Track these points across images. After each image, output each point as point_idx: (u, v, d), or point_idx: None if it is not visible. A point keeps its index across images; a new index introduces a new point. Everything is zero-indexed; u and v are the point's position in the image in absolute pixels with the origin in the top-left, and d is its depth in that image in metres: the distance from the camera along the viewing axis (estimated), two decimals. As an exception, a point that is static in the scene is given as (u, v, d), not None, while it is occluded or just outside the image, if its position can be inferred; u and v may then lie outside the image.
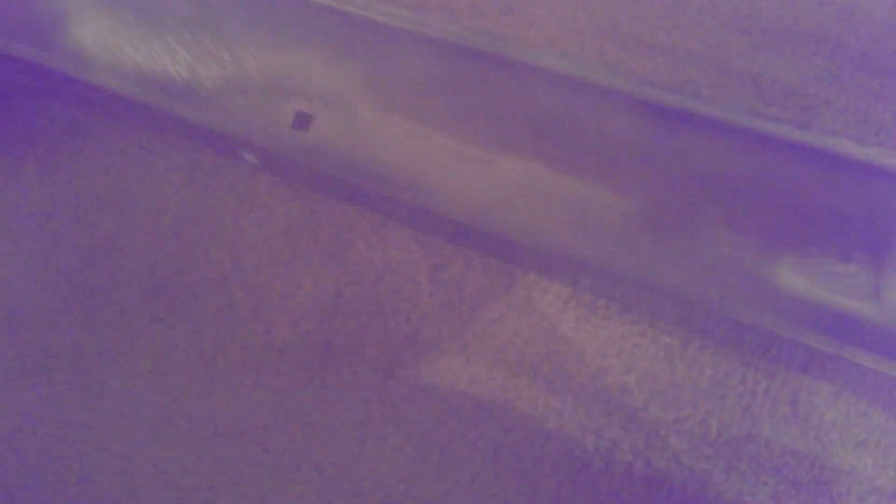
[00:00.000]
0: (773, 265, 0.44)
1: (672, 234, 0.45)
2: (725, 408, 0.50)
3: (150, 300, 0.57)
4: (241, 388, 0.54)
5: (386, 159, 0.50)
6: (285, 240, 0.58)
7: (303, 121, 0.49)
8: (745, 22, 0.65)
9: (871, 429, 0.49)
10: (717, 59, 0.63)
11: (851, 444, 0.49)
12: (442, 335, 0.54)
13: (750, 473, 0.48)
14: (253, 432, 0.52)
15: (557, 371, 0.52)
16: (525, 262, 0.55)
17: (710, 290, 0.46)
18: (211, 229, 0.59)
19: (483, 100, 0.47)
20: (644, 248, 0.47)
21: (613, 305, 0.53)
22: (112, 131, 0.64)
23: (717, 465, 0.49)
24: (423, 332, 0.54)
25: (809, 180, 0.44)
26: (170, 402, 0.54)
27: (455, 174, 0.49)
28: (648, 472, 0.49)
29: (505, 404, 0.52)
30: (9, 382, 0.55)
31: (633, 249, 0.47)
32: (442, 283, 0.55)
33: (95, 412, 0.54)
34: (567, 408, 0.51)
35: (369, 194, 0.57)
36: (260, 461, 0.51)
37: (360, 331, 0.54)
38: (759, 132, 0.45)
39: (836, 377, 0.50)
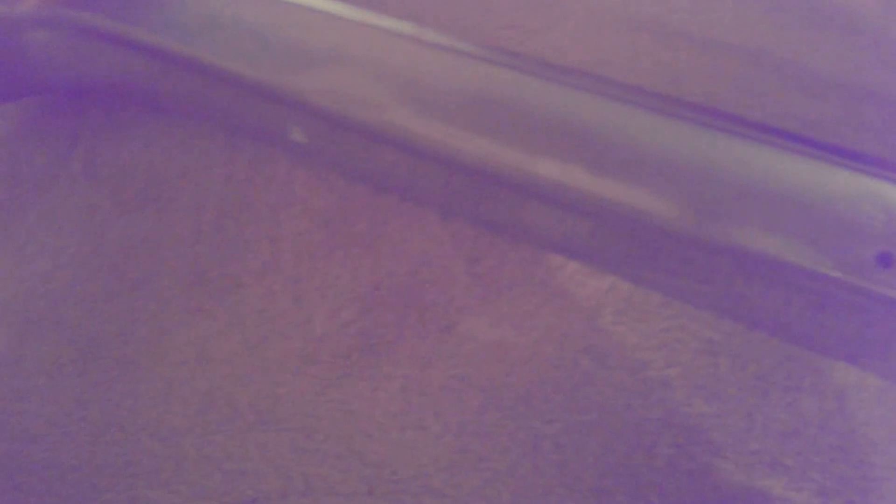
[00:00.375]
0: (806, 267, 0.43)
1: (705, 235, 0.44)
2: (770, 403, 0.49)
3: (193, 291, 0.58)
4: (282, 376, 0.54)
5: (423, 157, 0.50)
6: (323, 232, 0.58)
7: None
8: (783, 13, 0.63)
9: (921, 423, 0.47)
10: (754, 52, 0.61)
11: (900, 439, 0.47)
12: (479, 327, 0.54)
13: (796, 469, 0.48)
14: (295, 419, 0.53)
15: (596, 364, 0.52)
16: (562, 256, 0.54)
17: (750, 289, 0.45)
18: (250, 222, 0.60)
19: (520, 111, 0.47)
20: (678, 244, 0.46)
21: (653, 298, 0.52)
22: (154, 128, 0.65)
23: (762, 461, 0.48)
24: (460, 324, 0.54)
25: (842, 190, 0.43)
26: (213, 389, 0.54)
27: (492, 172, 0.48)
28: (691, 467, 0.48)
29: (544, 396, 0.52)
30: (59, 370, 0.57)
31: (668, 247, 0.46)
32: (478, 276, 0.55)
33: (142, 398, 0.55)
34: (607, 401, 0.51)
35: (405, 188, 0.56)
36: (303, 448, 0.52)
37: (398, 322, 0.55)
38: (792, 150, 0.44)
39: (885, 372, 0.48)
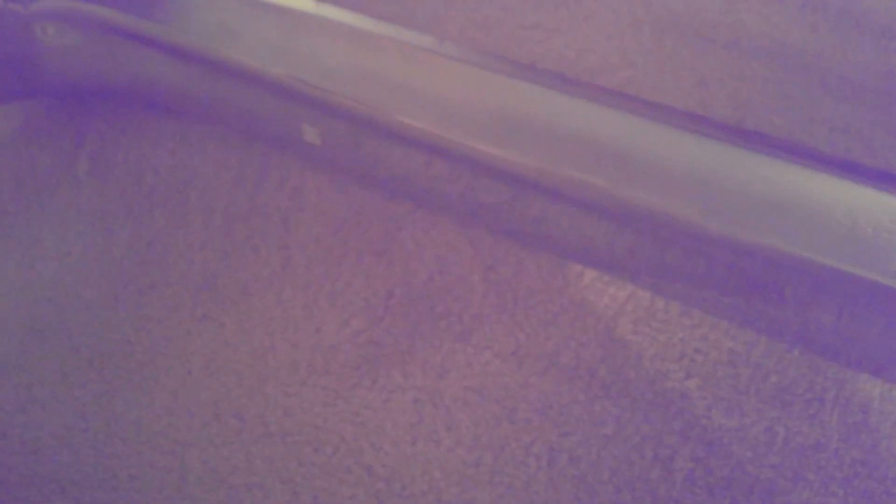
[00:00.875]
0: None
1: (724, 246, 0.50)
2: (792, 415, 0.54)
3: (201, 298, 0.64)
4: (290, 386, 0.60)
5: (440, 162, 0.56)
6: (335, 238, 0.64)
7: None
8: (813, 14, 0.69)
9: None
10: (782, 54, 0.67)
11: (928, 456, 0.52)
12: (495, 336, 0.59)
13: (818, 483, 0.52)
14: (303, 432, 0.58)
15: (614, 375, 0.57)
16: (582, 264, 0.60)
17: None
18: (260, 229, 0.66)
19: (540, 122, 0.54)
20: (700, 255, 0.52)
21: (673, 307, 0.58)
22: (163, 130, 0.71)
23: (783, 475, 0.53)
24: (475, 333, 0.59)
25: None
26: (220, 400, 0.60)
27: (509, 182, 0.55)
28: (710, 481, 0.53)
29: (560, 408, 0.57)
30: (61, 379, 0.63)
31: (690, 257, 0.52)
32: (494, 283, 0.61)
33: (146, 409, 0.61)
34: (625, 413, 0.56)
35: (422, 195, 0.62)
36: (310, 461, 0.57)
37: (411, 331, 0.60)
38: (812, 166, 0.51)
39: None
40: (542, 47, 0.70)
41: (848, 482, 0.52)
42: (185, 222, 0.67)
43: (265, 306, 0.63)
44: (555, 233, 0.59)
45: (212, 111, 0.67)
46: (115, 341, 0.64)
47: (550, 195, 0.56)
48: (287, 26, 0.61)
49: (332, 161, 0.66)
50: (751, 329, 0.56)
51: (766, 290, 0.55)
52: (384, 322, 0.61)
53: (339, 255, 0.64)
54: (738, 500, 0.53)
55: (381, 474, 0.57)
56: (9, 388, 0.63)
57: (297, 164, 0.67)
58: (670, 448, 0.54)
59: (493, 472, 0.56)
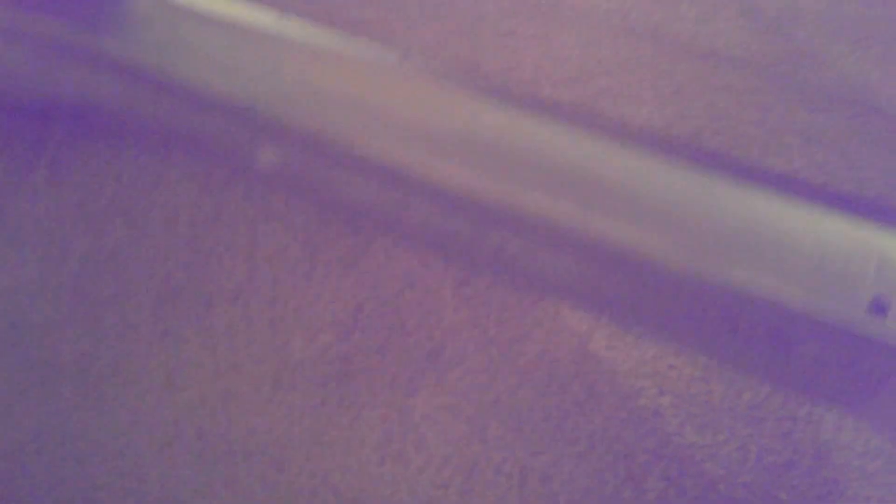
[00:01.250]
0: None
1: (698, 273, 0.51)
2: (765, 433, 0.55)
3: (162, 312, 0.63)
4: (255, 404, 0.60)
5: (410, 182, 0.57)
6: (303, 251, 0.64)
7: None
8: (788, 24, 0.71)
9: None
10: (758, 63, 0.68)
11: (900, 475, 0.53)
12: (466, 352, 0.60)
13: (791, 503, 0.53)
14: (267, 451, 0.58)
15: (587, 391, 0.58)
16: (553, 281, 0.61)
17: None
18: (226, 239, 0.65)
19: (509, 145, 0.55)
20: (669, 287, 0.53)
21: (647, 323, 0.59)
22: (125, 138, 0.71)
23: (755, 494, 0.54)
24: (446, 349, 0.60)
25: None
26: (181, 419, 0.60)
27: (480, 202, 0.56)
28: (682, 501, 0.54)
29: (532, 426, 0.57)
30: (14, 396, 0.62)
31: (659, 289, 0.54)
32: (466, 298, 0.61)
33: (104, 428, 0.60)
34: (598, 430, 0.56)
35: (391, 207, 0.63)
36: (274, 482, 0.57)
37: (380, 346, 0.60)
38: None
39: (886, 404, 0.54)
40: (518, 55, 0.71)
41: (820, 500, 0.54)
42: (146, 232, 0.66)
43: (229, 320, 0.62)
44: (517, 265, 0.60)
45: (159, 133, 0.66)
46: (71, 357, 0.63)
47: (512, 225, 0.56)
48: (241, 44, 0.60)
49: (291, 186, 0.66)
50: (722, 347, 0.57)
51: (735, 324, 0.55)
52: (353, 337, 0.61)
53: (307, 267, 0.63)
54: (709, 521, 0.54)
55: (347, 496, 0.57)
56: (-41, 406, 0.62)
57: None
58: (642, 466, 0.55)
59: (462, 492, 0.56)
